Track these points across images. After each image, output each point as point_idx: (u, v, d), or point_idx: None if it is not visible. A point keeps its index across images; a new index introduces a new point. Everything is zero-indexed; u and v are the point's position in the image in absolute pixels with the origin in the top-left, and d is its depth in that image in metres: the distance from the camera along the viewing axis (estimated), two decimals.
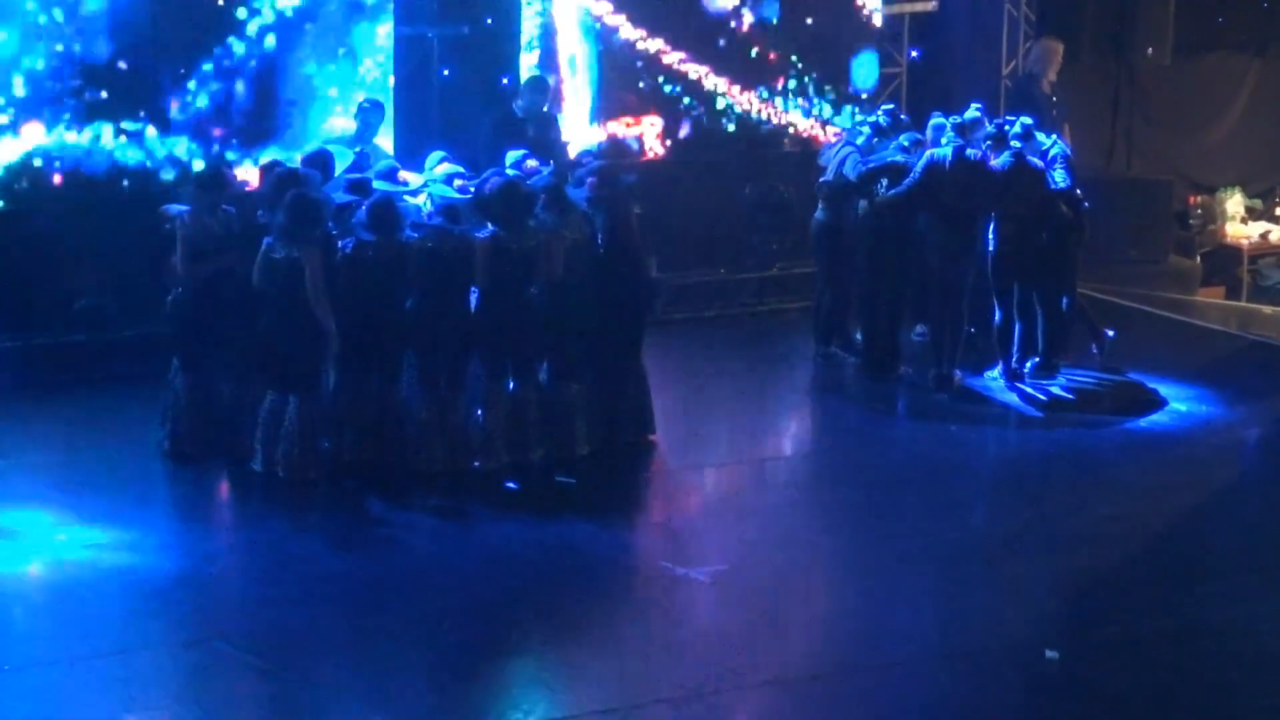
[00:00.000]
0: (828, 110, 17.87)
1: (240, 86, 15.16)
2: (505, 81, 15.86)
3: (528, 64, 16.31)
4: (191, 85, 15.00)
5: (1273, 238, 19.63)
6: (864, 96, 17.85)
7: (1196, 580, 10.78)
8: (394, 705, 8.86)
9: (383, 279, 12.00)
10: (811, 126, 17.72)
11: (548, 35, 16.64)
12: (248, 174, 14.19)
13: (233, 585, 10.40)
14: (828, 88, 17.90)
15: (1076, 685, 9.25)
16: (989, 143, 14.19)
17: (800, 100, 17.80)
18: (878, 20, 18.15)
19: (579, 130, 16.64)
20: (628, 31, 16.82)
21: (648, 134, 17.11)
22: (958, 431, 13.55)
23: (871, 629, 9.93)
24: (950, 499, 12.15)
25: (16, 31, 14.47)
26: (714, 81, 17.26)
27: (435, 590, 10.31)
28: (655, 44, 16.95)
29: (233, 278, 12.12)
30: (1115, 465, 12.82)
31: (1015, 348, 14.36)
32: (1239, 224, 19.65)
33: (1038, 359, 14.37)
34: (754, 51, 17.55)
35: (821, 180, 14.99)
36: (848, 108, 17.80)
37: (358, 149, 13.93)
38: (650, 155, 16.89)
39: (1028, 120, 14.55)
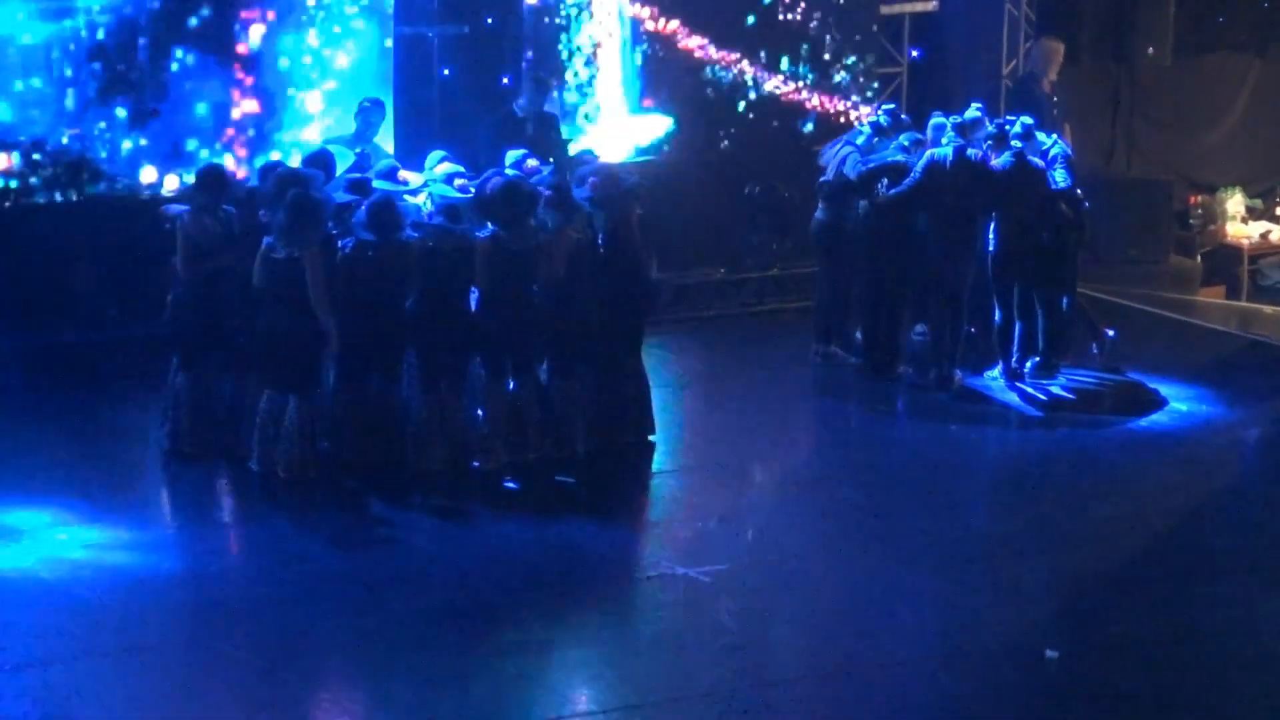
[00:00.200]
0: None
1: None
2: (505, 81, 15.86)
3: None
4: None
5: (1273, 237, 19.60)
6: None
7: (1196, 580, 10.78)
8: (394, 705, 8.87)
9: (383, 279, 11.99)
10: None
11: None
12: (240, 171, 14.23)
13: (232, 585, 10.39)
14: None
15: (1076, 685, 9.26)
16: (989, 143, 14.19)
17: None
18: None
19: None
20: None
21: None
22: (958, 431, 13.55)
23: (871, 629, 9.93)
24: (950, 499, 12.16)
25: (17, 28, 14.49)
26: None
27: (435, 590, 10.32)
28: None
29: (232, 277, 12.12)
30: (1115, 465, 12.82)
31: (1015, 347, 14.36)
32: (1239, 224, 19.62)
33: (1038, 359, 14.36)
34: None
35: (822, 180, 14.98)
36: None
37: (359, 149, 13.92)
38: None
39: (1028, 120, 14.54)
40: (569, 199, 12.38)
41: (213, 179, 12.52)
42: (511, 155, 13.17)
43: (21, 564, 10.46)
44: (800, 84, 17.45)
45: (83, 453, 12.46)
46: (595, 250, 12.58)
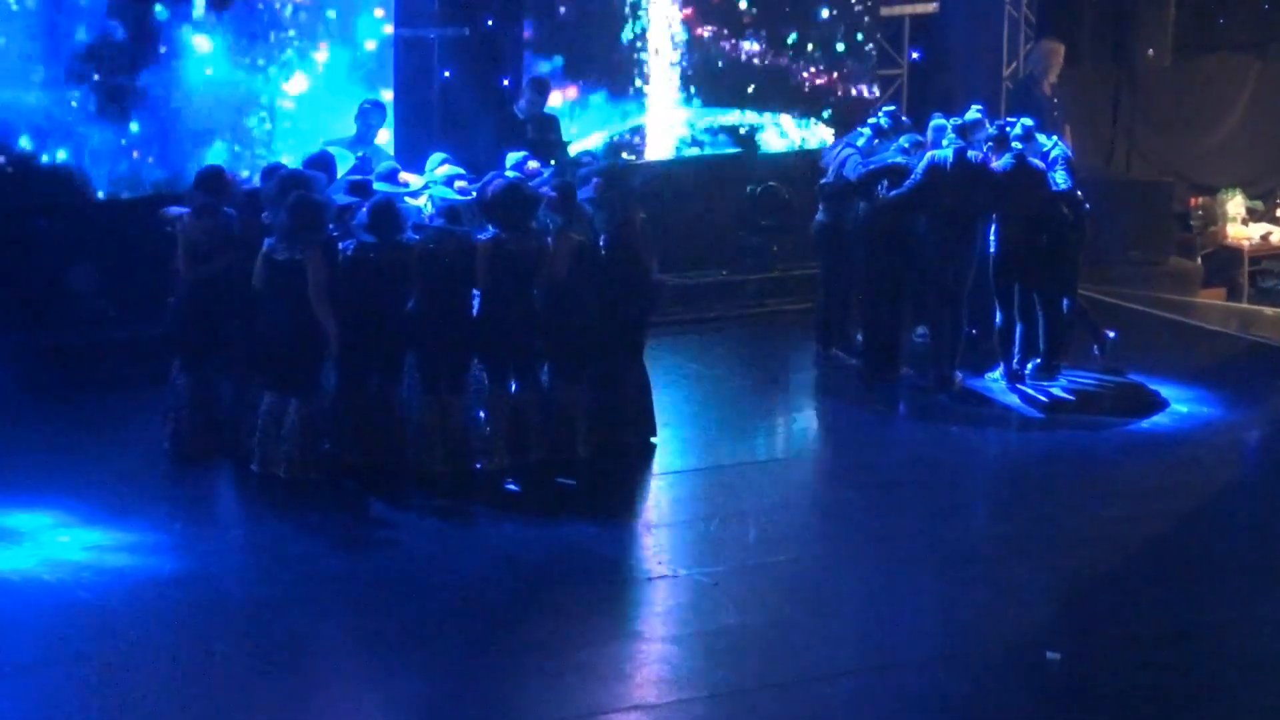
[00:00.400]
0: None
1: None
2: (506, 83, 15.87)
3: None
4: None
5: (1274, 239, 19.60)
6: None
7: (1197, 581, 10.79)
8: (396, 706, 8.87)
9: (384, 280, 11.99)
10: None
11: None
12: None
13: (233, 586, 10.39)
14: None
15: (1077, 686, 9.26)
16: (990, 144, 14.19)
17: None
18: None
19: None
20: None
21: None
22: (958, 433, 13.55)
23: (872, 630, 9.94)
24: (951, 500, 12.16)
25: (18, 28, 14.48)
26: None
27: (436, 591, 10.32)
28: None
29: (233, 279, 12.12)
30: (1116, 466, 12.82)
31: (1016, 349, 14.36)
32: (1240, 225, 19.62)
33: (1039, 360, 14.36)
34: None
35: (822, 181, 14.99)
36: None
37: (360, 153, 13.90)
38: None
39: (1028, 122, 14.54)
40: (572, 201, 12.38)
41: (212, 180, 12.52)
42: (512, 157, 13.18)
43: (23, 566, 10.46)
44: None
45: (84, 454, 12.45)
46: (597, 252, 12.58)
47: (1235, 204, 19.74)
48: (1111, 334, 14.91)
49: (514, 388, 12.30)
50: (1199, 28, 19.72)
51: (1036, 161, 14.14)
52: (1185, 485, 12.47)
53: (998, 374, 14.48)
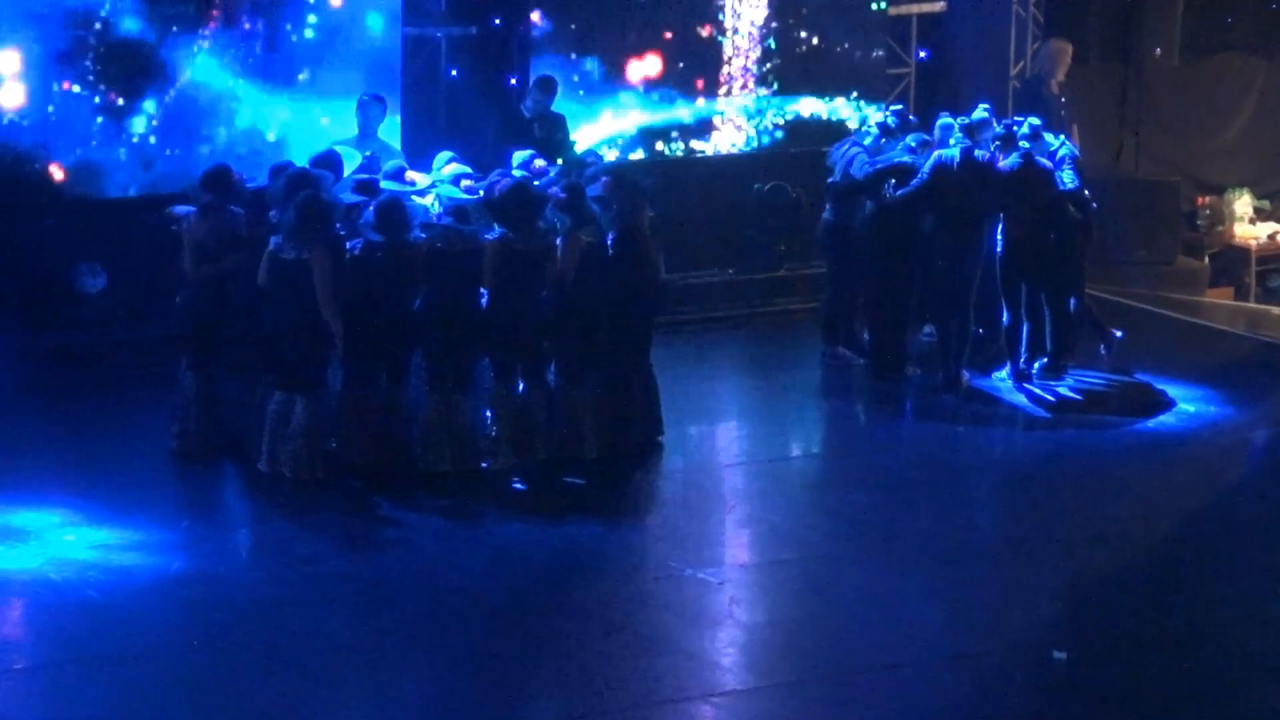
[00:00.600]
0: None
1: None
2: (513, 82, 15.86)
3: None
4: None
5: None
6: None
7: (1204, 581, 10.78)
8: (401, 706, 8.87)
9: (391, 280, 11.98)
10: None
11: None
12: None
13: (239, 585, 10.38)
14: None
15: (1084, 686, 9.25)
16: (997, 143, 14.19)
17: None
18: None
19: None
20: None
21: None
22: (965, 432, 13.55)
23: (878, 630, 9.92)
24: (957, 500, 12.16)
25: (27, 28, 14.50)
26: None
27: (442, 591, 10.32)
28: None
29: (240, 278, 12.12)
30: (1122, 466, 12.81)
31: (1023, 349, 14.35)
32: (1247, 225, 19.61)
33: (1045, 360, 14.36)
34: None
35: (829, 181, 14.98)
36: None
37: (368, 152, 13.89)
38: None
39: (1036, 121, 14.54)
40: (582, 202, 12.36)
41: (218, 179, 12.52)
42: (518, 156, 13.17)
43: (30, 565, 10.46)
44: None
45: (91, 454, 12.46)
46: (604, 252, 12.56)
47: (1242, 203, 19.73)
48: (1118, 333, 14.90)
49: (521, 387, 12.29)
50: (1207, 28, 19.70)
51: (1043, 161, 14.12)
52: (1191, 485, 12.46)
53: (1004, 373, 14.47)
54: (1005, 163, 14.05)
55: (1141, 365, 14.81)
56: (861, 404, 14.40)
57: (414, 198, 12.51)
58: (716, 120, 17.20)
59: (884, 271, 14.57)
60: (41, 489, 11.65)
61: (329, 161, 12.77)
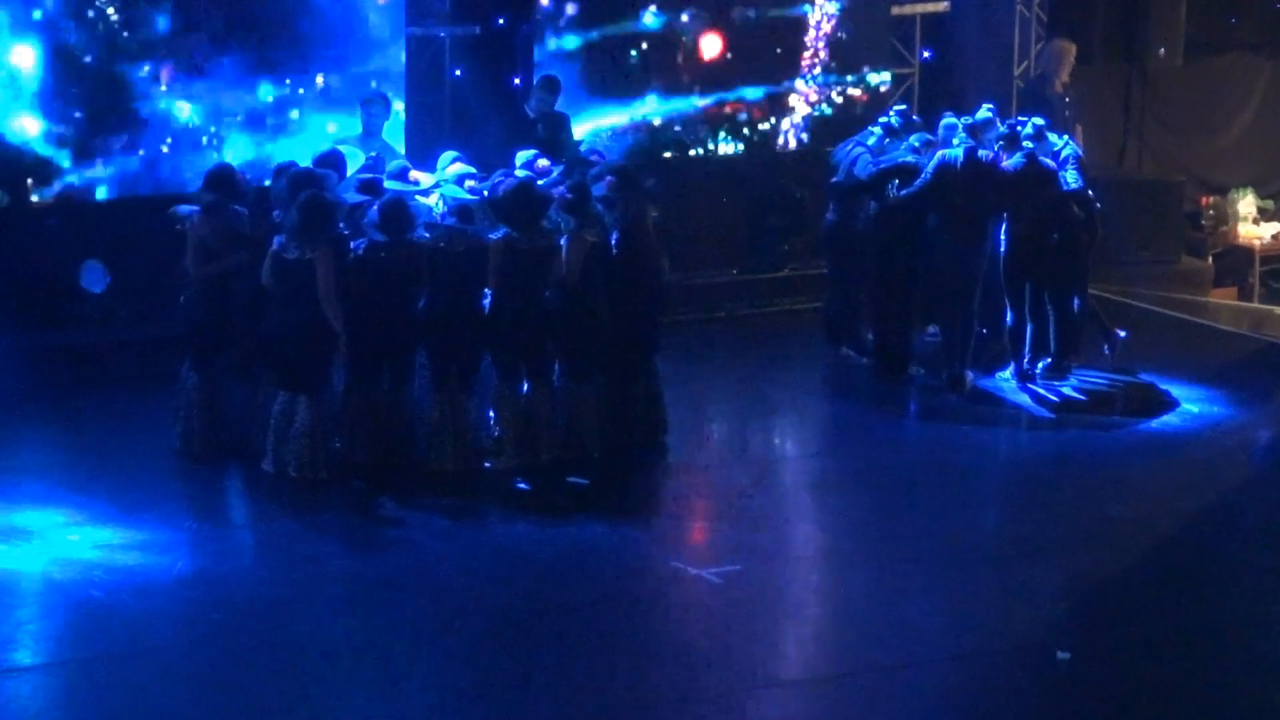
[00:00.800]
0: None
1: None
2: (517, 82, 15.87)
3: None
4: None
5: None
6: None
7: (1208, 582, 10.78)
8: (405, 706, 8.87)
9: (395, 279, 11.99)
10: None
11: None
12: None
13: (243, 585, 10.39)
14: None
15: (1087, 686, 9.24)
16: (1001, 143, 14.19)
17: None
18: None
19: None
20: None
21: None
22: (969, 432, 13.54)
23: (882, 629, 9.92)
24: (961, 500, 12.15)
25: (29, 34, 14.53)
26: None
27: (446, 591, 10.32)
28: None
29: (243, 278, 12.12)
30: (1126, 466, 12.81)
31: (1027, 348, 14.35)
32: (1251, 225, 19.62)
33: (1049, 360, 14.36)
34: None
35: (833, 181, 14.98)
36: None
37: (373, 151, 13.90)
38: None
39: (1039, 121, 14.54)
40: (587, 202, 12.36)
41: (222, 179, 12.52)
42: (522, 155, 13.17)
43: (33, 565, 10.47)
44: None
45: (94, 453, 12.48)
46: (608, 251, 12.56)
47: (1246, 203, 19.74)
48: (1122, 333, 14.90)
49: (525, 387, 12.30)
50: (1210, 28, 19.71)
51: (1047, 161, 14.13)
52: (1195, 485, 12.46)
53: (1008, 373, 14.47)
54: (1009, 163, 14.05)
55: (1145, 365, 14.81)
56: (865, 404, 14.40)
57: (418, 197, 12.51)
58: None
59: (887, 271, 14.57)
60: (45, 489, 11.66)
61: (333, 161, 12.77)
